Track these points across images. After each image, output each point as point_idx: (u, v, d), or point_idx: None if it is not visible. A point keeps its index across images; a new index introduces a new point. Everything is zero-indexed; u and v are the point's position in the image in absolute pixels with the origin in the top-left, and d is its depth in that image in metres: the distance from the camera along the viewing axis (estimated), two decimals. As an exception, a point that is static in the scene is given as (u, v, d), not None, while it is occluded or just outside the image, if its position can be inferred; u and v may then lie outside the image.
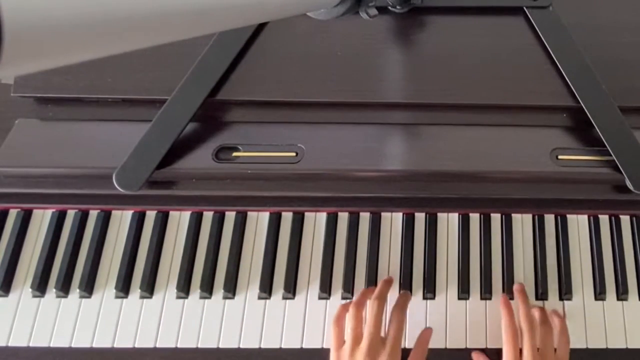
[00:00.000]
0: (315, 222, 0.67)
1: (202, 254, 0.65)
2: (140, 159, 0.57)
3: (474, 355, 0.60)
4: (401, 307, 0.59)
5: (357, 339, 0.55)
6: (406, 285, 0.63)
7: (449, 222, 0.67)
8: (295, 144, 0.60)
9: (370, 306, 0.58)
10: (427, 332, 0.61)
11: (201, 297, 0.63)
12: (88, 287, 0.63)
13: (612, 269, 0.65)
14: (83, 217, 0.66)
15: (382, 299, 0.58)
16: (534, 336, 0.58)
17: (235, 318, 0.62)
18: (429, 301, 0.64)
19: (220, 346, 0.61)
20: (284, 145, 0.60)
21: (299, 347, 0.61)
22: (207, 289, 0.63)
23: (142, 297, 0.63)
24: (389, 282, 0.62)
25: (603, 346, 0.62)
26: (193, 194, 0.63)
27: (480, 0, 0.65)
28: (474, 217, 0.67)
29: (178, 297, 0.63)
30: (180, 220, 0.67)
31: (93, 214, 0.67)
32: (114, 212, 0.67)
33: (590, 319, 0.63)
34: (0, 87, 0.64)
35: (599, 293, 0.64)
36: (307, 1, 0.41)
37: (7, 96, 0.62)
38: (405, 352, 0.61)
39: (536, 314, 0.61)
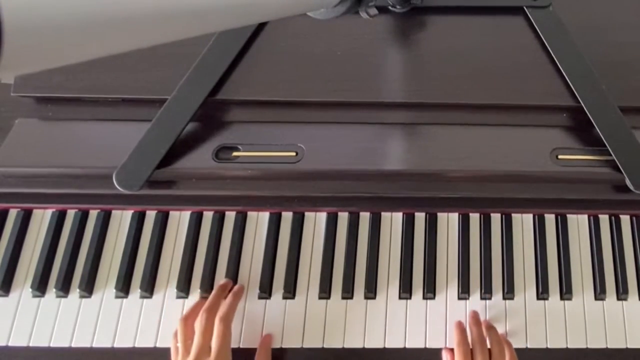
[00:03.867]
0: (315, 222, 0.67)
1: (202, 254, 0.65)
2: (140, 158, 0.57)
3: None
4: (225, 317, 0.58)
5: (186, 351, 0.56)
6: (406, 285, 0.63)
7: (449, 222, 0.67)
8: (295, 143, 0.60)
9: (199, 319, 0.58)
10: (268, 337, 0.61)
11: (201, 297, 0.63)
12: (88, 287, 0.63)
13: (612, 269, 0.65)
14: (83, 217, 0.66)
15: (211, 311, 0.58)
16: (486, 356, 0.58)
17: (235, 318, 0.62)
18: (429, 301, 0.64)
19: (220, 346, 0.61)
20: (284, 145, 0.60)
21: (299, 347, 0.61)
22: (207, 289, 0.63)
23: (142, 297, 0.63)
24: (223, 288, 0.62)
25: (603, 346, 0.62)
26: (193, 194, 0.63)
27: (480, 0, 0.65)
28: (474, 217, 0.67)
29: (178, 297, 0.63)
30: (180, 220, 0.67)
31: (93, 214, 0.67)
32: (114, 212, 0.67)
33: (590, 319, 0.63)
34: (0, 87, 0.64)
35: (599, 293, 0.64)
36: (307, 1, 0.41)
37: (7, 96, 0.62)
38: (401, 353, 0.61)
39: (487, 335, 0.60)
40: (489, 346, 0.59)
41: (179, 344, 0.57)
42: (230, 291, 0.62)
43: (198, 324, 0.57)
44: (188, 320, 0.59)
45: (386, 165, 0.60)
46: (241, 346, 0.61)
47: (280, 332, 0.62)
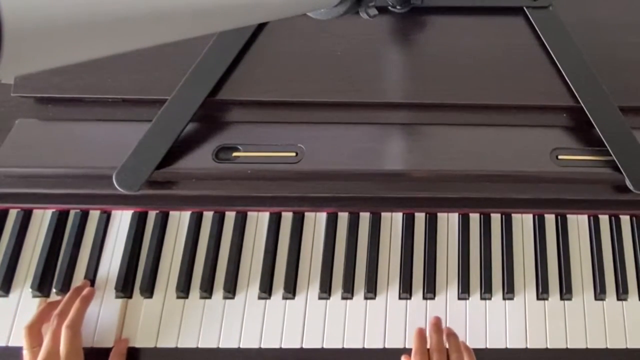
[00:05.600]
0: (315, 222, 0.67)
1: (202, 254, 0.65)
2: (140, 159, 0.57)
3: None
4: (72, 324, 0.57)
5: (34, 357, 0.56)
6: (406, 285, 0.64)
7: (449, 222, 0.67)
8: (295, 144, 0.60)
9: (51, 322, 0.57)
10: (123, 342, 0.61)
11: (201, 297, 0.63)
12: (88, 287, 0.63)
13: (612, 269, 0.65)
14: (83, 217, 0.66)
15: (61, 316, 0.58)
16: None
17: (235, 318, 0.62)
18: (429, 301, 0.64)
19: (220, 346, 0.61)
20: (284, 145, 0.60)
21: (299, 347, 0.61)
22: (207, 289, 0.63)
23: (142, 297, 0.63)
24: (77, 291, 0.61)
25: (603, 346, 0.62)
26: (193, 194, 0.63)
27: (480, 0, 0.65)
28: (474, 217, 0.67)
29: (178, 297, 0.63)
30: (180, 220, 0.67)
31: (93, 214, 0.67)
32: (114, 212, 0.67)
33: (590, 319, 0.63)
34: (0, 87, 0.64)
35: (599, 293, 0.64)
36: (307, 1, 0.41)
37: (7, 96, 0.62)
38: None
39: (446, 342, 0.60)
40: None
41: (25, 351, 0.57)
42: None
43: (48, 330, 0.57)
44: (33, 327, 0.58)
45: (386, 165, 0.60)
46: (241, 346, 0.61)
47: (279, 333, 0.62)
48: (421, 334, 0.61)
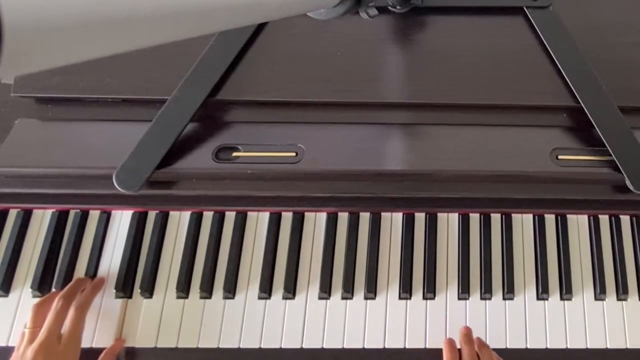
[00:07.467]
0: (315, 222, 0.67)
1: (202, 254, 0.65)
2: (140, 159, 0.57)
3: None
4: (81, 306, 0.58)
5: (32, 338, 0.55)
6: (406, 285, 0.64)
7: (449, 222, 0.67)
8: (295, 144, 0.60)
9: (54, 305, 0.57)
10: (118, 343, 0.60)
11: (201, 297, 0.63)
12: (88, 287, 0.63)
13: (612, 269, 0.65)
14: (83, 217, 0.66)
15: (67, 298, 0.58)
16: None
17: (235, 318, 0.62)
18: (429, 301, 0.64)
19: (220, 346, 0.61)
20: (284, 145, 0.60)
21: (299, 347, 0.61)
22: (207, 289, 0.63)
23: (142, 297, 0.63)
24: (82, 280, 0.61)
25: (603, 346, 0.62)
26: (193, 194, 0.63)
27: (480, 0, 0.65)
28: (474, 217, 0.67)
29: (178, 297, 0.63)
30: (180, 220, 0.67)
31: (93, 214, 0.67)
32: (113, 212, 0.67)
33: (590, 319, 0.63)
34: (0, 87, 0.64)
35: (599, 293, 0.64)
36: (307, 1, 0.41)
37: (7, 96, 0.62)
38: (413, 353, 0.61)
39: (479, 353, 0.59)
40: None
41: (26, 329, 0.56)
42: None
43: (52, 310, 0.56)
44: (41, 307, 0.57)
45: (386, 165, 0.60)
46: (241, 346, 0.61)
47: (279, 333, 0.62)
48: (451, 344, 0.60)
